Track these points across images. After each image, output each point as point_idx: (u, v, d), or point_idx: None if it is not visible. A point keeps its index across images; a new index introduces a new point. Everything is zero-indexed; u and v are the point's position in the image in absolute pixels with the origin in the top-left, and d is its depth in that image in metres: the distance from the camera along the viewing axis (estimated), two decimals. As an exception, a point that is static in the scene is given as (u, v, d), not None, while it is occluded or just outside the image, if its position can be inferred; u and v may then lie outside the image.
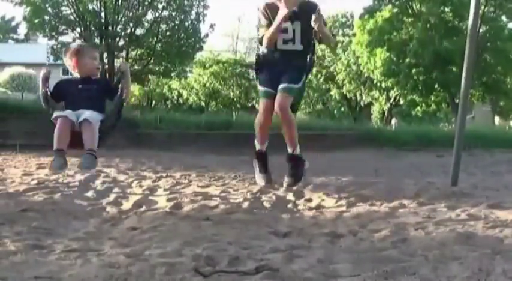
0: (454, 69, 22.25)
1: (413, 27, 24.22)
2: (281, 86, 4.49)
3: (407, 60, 23.19)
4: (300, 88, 4.71)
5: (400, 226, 4.06)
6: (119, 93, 4.41)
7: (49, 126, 4.39)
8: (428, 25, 23.29)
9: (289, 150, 4.62)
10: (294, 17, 4.81)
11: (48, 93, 4.38)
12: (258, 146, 4.78)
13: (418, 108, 27.93)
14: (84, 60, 4.42)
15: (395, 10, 25.35)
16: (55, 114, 4.20)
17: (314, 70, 34.88)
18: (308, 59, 4.82)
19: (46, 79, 4.44)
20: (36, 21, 19.75)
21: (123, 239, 3.52)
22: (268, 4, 4.97)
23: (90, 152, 4.26)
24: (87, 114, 4.18)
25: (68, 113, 4.17)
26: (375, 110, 33.34)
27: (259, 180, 4.71)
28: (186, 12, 21.35)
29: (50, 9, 19.59)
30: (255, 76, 4.90)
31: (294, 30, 4.74)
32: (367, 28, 24.81)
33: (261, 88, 4.62)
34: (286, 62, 4.67)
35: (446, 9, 23.61)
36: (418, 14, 24.66)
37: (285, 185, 5.16)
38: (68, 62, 4.52)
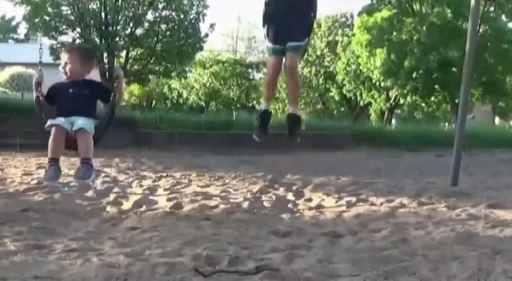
0: (454, 69, 22.23)
1: (415, 31, 24.24)
2: (289, 44, 4.54)
3: (407, 63, 23.21)
4: (305, 46, 4.78)
5: (400, 226, 4.07)
6: (112, 97, 4.31)
7: (38, 115, 4.34)
8: (432, 27, 23.27)
9: (291, 109, 4.69)
10: None
11: (41, 98, 4.31)
12: (263, 105, 4.80)
13: (419, 109, 27.95)
14: (74, 63, 4.29)
15: (394, 10, 25.36)
16: (49, 122, 4.11)
17: (313, 69, 34.95)
18: (312, 15, 4.85)
19: (38, 84, 4.37)
20: (36, 20, 19.74)
21: (123, 239, 3.52)
22: None
23: (86, 162, 4.12)
24: (81, 123, 4.11)
25: (61, 121, 4.08)
26: (374, 109, 33.35)
27: (256, 136, 4.65)
28: (185, 12, 21.35)
29: (50, 9, 19.59)
30: (264, 32, 4.92)
31: None
32: (367, 26, 24.82)
33: (269, 45, 4.67)
34: (292, 13, 4.68)
35: (448, 11, 23.58)
36: (420, 15, 24.67)
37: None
38: (61, 65, 4.42)
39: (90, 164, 4.09)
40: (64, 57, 4.31)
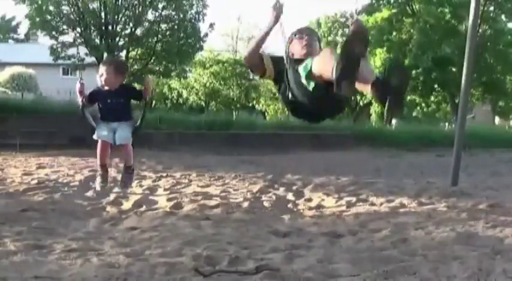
0: (454, 69, 22.23)
1: (412, 28, 24.25)
2: None
3: (407, 60, 23.21)
4: None
5: (400, 226, 4.07)
6: (144, 101, 5.13)
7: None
8: (427, 26, 23.28)
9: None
10: None
11: (85, 103, 4.98)
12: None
13: (418, 108, 27.92)
14: (109, 75, 4.91)
15: (394, 10, 25.37)
16: (95, 136, 4.91)
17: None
18: None
19: (81, 92, 4.96)
20: (37, 19, 19.74)
21: (123, 239, 3.52)
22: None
23: (129, 170, 5.11)
24: (122, 136, 4.91)
25: (105, 136, 4.87)
26: (374, 109, 33.35)
27: None
28: (185, 12, 21.32)
29: (51, 8, 19.58)
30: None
31: None
32: (367, 26, 24.86)
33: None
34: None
35: (446, 10, 23.57)
36: (417, 15, 24.67)
37: None
38: (98, 74, 5.05)
39: (132, 170, 5.17)
40: (102, 69, 4.94)
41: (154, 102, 35.93)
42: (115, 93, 5.00)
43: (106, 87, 5.00)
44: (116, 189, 5.74)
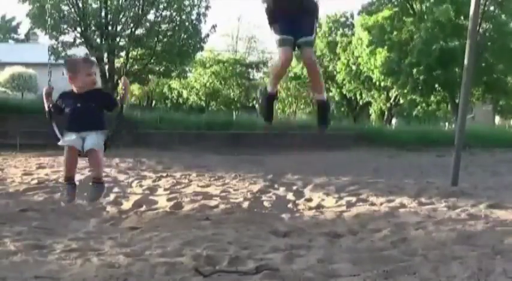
0: (456, 69, 22.20)
1: (416, 28, 24.24)
2: (302, 39, 4.56)
3: (409, 59, 23.19)
4: (315, 39, 4.83)
5: (400, 226, 4.07)
6: (119, 107, 4.59)
7: (49, 126, 4.56)
8: (435, 25, 23.24)
9: (319, 97, 4.70)
10: None
11: (52, 109, 4.52)
12: (269, 89, 4.79)
13: (419, 107, 27.92)
14: (80, 77, 4.45)
15: (395, 9, 25.36)
16: (61, 142, 4.40)
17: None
18: (316, 16, 4.86)
19: (49, 95, 4.57)
20: (39, 18, 19.78)
21: (123, 239, 3.52)
22: None
23: (98, 181, 4.48)
24: (91, 143, 4.35)
25: (73, 141, 4.33)
26: (374, 109, 33.34)
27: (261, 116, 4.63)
28: (187, 13, 21.32)
29: (51, 8, 19.58)
30: (268, 22, 4.90)
31: None
32: (368, 24, 24.83)
33: (278, 36, 4.65)
34: (299, 13, 4.69)
35: (451, 8, 23.55)
36: (420, 14, 24.66)
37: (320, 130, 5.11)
38: (67, 75, 4.59)
39: (100, 182, 4.50)
40: (79, 70, 4.46)
41: (154, 102, 35.97)
42: (87, 97, 4.46)
43: (75, 90, 4.50)
44: (116, 189, 5.75)
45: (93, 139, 4.36)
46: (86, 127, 4.41)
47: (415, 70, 23.20)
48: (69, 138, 4.34)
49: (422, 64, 22.94)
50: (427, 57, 22.79)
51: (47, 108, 4.50)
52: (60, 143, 4.39)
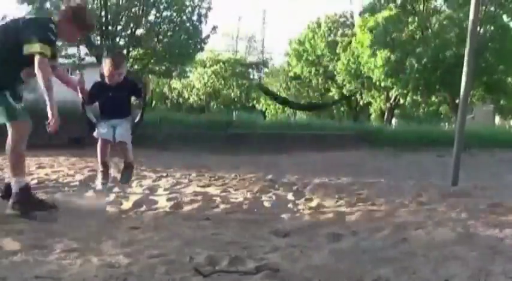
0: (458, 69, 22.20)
1: (420, 28, 24.25)
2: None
3: (411, 60, 23.17)
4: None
5: (400, 226, 4.07)
6: (142, 98, 5.29)
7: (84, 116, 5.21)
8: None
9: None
10: None
11: (86, 99, 5.07)
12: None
13: (421, 108, 28.02)
14: (116, 72, 4.96)
15: (397, 10, 25.37)
16: (96, 133, 5.08)
17: (313, 69, 34.91)
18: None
19: (82, 89, 5.00)
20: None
21: (123, 239, 3.52)
22: None
23: (129, 166, 5.38)
24: (120, 134, 5.06)
25: (105, 134, 5.03)
26: (374, 109, 33.35)
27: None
28: (188, 13, 21.33)
29: (51, 7, 19.61)
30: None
31: None
32: (369, 25, 24.80)
33: None
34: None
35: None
36: (421, 15, 24.64)
37: None
38: (103, 69, 5.12)
39: (132, 167, 5.47)
40: (114, 67, 4.96)
41: (154, 102, 35.99)
42: (117, 87, 5.02)
43: (108, 82, 5.03)
44: (116, 189, 5.74)
45: (123, 130, 5.07)
46: (116, 115, 5.08)
47: (415, 69, 23.17)
48: (102, 131, 5.04)
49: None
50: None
51: (81, 100, 5.05)
52: (94, 134, 5.07)
